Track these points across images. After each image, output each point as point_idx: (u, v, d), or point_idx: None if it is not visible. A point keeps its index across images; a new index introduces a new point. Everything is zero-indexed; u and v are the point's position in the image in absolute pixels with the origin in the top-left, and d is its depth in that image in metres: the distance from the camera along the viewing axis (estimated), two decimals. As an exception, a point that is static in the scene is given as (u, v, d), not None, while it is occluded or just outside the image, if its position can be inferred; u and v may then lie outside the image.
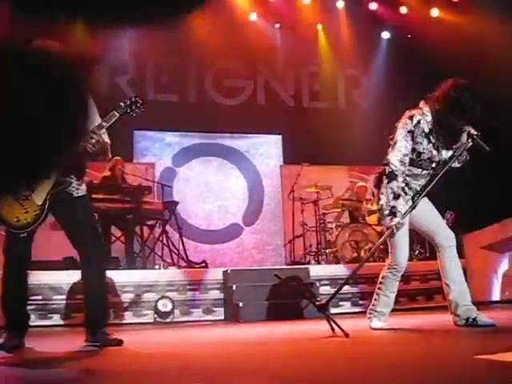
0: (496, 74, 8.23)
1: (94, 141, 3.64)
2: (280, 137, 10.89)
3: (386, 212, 4.11)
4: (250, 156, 10.80)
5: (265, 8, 10.61)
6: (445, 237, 4.25)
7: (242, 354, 3.34)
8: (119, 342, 3.73)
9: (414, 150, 4.17)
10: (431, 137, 4.16)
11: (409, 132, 4.15)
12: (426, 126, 4.15)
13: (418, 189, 4.23)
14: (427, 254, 8.29)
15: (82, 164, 3.84)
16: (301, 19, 10.82)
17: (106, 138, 3.88)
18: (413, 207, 4.12)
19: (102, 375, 2.71)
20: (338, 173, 10.67)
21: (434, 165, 4.22)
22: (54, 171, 3.54)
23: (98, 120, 3.84)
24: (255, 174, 10.77)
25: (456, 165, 4.25)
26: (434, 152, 4.19)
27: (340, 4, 10.87)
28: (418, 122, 4.16)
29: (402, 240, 4.23)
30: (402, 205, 4.12)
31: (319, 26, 11.19)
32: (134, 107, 3.92)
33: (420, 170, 4.22)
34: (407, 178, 4.21)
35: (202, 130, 10.41)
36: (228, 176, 10.59)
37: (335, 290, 4.41)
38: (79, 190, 3.80)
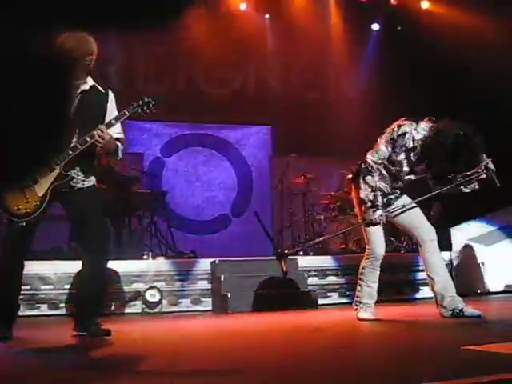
0: (488, 67, 8.27)
1: (99, 138, 3.67)
2: (269, 128, 10.87)
3: (368, 205, 4.19)
4: (239, 147, 10.78)
5: (255, -2, 10.57)
6: (425, 231, 4.31)
7: (230, 344, 3.35)
8: (108, 333, 3.73)
9: (390, 157, 4.23)
10: (411, 154, 4.19)
11: (391, 139, 4.21)
12: (410, 142, 4.18)
13: (392, 196, 4.30)
14: (414, 246, 8.33)
15: (90, 159, 3.86)
16: (291, 9, 10.79)
17: (120, 135, 3.92)
18: (404, 209, 4.18)
19: (92, 365, 2.71)
20: (327, 164, 10.68)
21: (400, 180, 4.28)
22: (54, 162, 3.62)
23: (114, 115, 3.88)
24: (244, 165, 10.75)
25: (466, 190, 4.24)
26: (406, 168, 4.24)
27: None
28: (403, 134, 4.19)
29: (377, 231, 4.29)
30: (381, 197, 4.19)
31: (309, 17, 11.15)
32: (145, 108, 3.95)
33: (389, 178, 4.28)
34: (382, 183, 4.27)
35: (191, 121, 10.37)
36: (217, 167, 10.56)
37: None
38: (85, 181, 3.82)
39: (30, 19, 3.64)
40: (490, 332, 3.36)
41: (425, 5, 10.67)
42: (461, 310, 4.05)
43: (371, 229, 4.26)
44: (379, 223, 4.20)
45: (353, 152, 9.49)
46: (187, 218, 10.11)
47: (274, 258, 4.35)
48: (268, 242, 10.05)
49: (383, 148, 4.23)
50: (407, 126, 4.20)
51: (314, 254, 7.76)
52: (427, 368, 2.22)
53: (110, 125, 3.78)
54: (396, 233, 8.37)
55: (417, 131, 4.17)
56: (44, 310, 6.06)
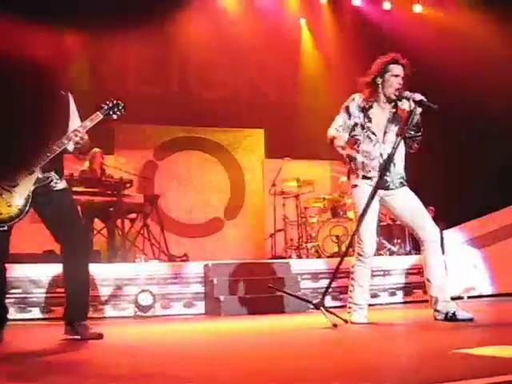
0: (480, 70, 8.33)
1: (78, 139, 3.75)
2: (262, 131, 10.88)
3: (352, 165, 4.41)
4: (232, 150, 10.79)
5: (248, 2, 10.57)
6: (429, 232, 4.28)
7: (222, 348, 3.34)
8: (99, 336, 3.72)
9: (355, 124, 4.40)
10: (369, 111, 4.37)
11: (345, 107, 4.46)
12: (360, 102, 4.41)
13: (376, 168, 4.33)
14: (407, 249, 8.35)
15: (61, 161, 3.91)
16: (284, 14, 10.81)
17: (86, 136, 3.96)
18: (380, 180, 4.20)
19: (83, 369, 2.70)
20: (321, 167, 10.70)
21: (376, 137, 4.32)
22: (33, 164, 3.66)
23: (78, 120, 3.94)
24: (237, 168, 10.76)
25: (413, 134, 4.27)
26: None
27: (323, -1, 10.89)
28: (353, 99, 4.44)
29: (369, 228, 4.28)
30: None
31: (302, 21, 11.19)
32: (115, 109, 4.01)
33: (370, 144, 4.34)
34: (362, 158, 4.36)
35: (184, 124, 10.36)
36: (210, 170, 10.56)
37: (326, 285, 4.43)
38: (58, 183, 3.84)
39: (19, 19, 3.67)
40: (481, 335, 3.37)
41: (417, 9, 10.74)
42: (454, 314, 4.06)
43: (362, 226, 4.25)
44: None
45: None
46: (180, 221, 10.10)
47: (314, 308, 4.28)
48: (261, 245, 10.10)
49: (338, 118, 4.56)
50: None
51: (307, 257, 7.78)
52: (420, 371, 2.22)
53: (84, 126, 3.84)
54: (389, 236, 8.41)
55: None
56: (36, 313, 6.03)
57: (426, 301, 4.44)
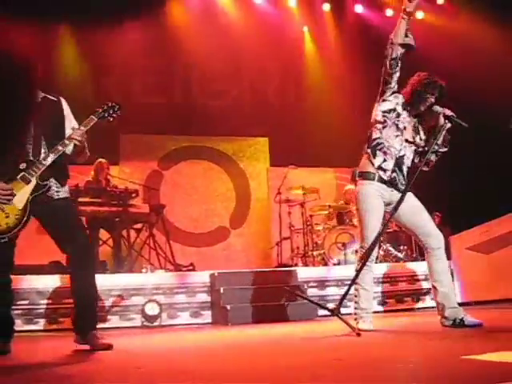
0: (483, 75, 8.33)
1: (72, 144, 3.74)
2: (267, 139, 10.89)
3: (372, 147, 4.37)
4: (237, 159, 10.80)
5: (251, 10, 10.61)
6: (434, 238, 4.27)
7: (231, 357, 3.33)
8: (109, 347, 3.72)
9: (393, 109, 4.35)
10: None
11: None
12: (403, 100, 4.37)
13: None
14: (414, 255, 8.33)
15: (62, 168, 3.88)
16: (287, 22, 10.85)
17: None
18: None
19: (90, 380, 2.69)
20: (325, 175, 10.70)
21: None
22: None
23: (75, 124, 3.91)
24: (242, 177, 10.77)
25: (441, 149, 4.27)
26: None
27: (326, 7, 10.92)
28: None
29: (374, 232, 4.27)
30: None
31: (305, 29, 11.23)
32: (111, 112, 3.97)
33: (394, 132, 4.33)
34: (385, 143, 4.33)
35: (189, 133, 10.39)
36: (215, 179, 10.57)
37: (343, 292, 4.39)
38: (59, 192, 3.82)
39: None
40: (490, 341, 3.34)
41: (419, 15, 10.76)
42: (461, 320, 4.04)
43: (370, 231, 4.24)
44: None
45: (351, 163, 9.58)
46: (186, 231, 10.10)
47: (332, 315, 4.25)
48: (267, 253, 10.08)
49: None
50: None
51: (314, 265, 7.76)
52: (428, 378, 2.21)
53: (79, 131, 3.79)
54: (395, 243, 8.39)
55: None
56: (43, 324, 6.04)
57: (434, 307, 4.42)
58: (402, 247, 8.32)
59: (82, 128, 3.80)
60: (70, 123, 3.91)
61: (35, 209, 3.68)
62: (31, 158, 3.67)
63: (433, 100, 4.28)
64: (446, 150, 4.31)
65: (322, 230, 8.71)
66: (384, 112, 4.36)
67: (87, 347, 3.75)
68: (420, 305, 7.07)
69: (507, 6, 8.52)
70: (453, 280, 4.39)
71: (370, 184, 4.31)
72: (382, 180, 4.29)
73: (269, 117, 10.67)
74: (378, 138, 4.34)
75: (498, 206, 6.70)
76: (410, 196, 4.36)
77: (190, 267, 7.78)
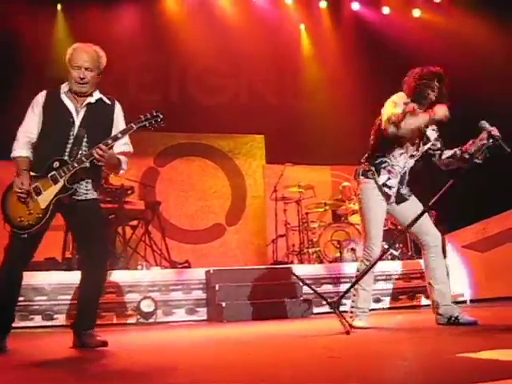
0: (481, 74, 8.34)
1: (100, 152, 3.60)
2: (263, 136, 10.88)
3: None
4: (233, 156, 10.79)
5: (248, 7, 10.59)
6: (432, 236, 4.29)
7: (225, 353, 3.33)
8: (104, 344, 3.72)
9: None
10: None
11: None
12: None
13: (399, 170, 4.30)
14: (409, 253, 8.34)
15: (96, 172, 3.86)
16: (284, 19, 10.84)
17: (126, 147, 3.91)
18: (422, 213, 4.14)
19: (87, 376, 2.69)
20: (321, 173, 10.70)
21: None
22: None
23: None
24: (238, 174, 10.75)
25: (478, 161, 4.20)
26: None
27: (323, 4, 10.91)
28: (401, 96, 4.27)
29: (379, 235, 4.28)
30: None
31: (302, 26, 11.21)
32: (153, 121, 3.86)
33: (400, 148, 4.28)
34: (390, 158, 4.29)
35: (185, 130, 10.36)
36: (211, 176, 10.56)
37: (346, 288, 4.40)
38: (88, 193, 3.82)
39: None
40: (485, 339, 3.35)
41: (417, 13, 10.77)
42: (456, 318, 4.06)
43: (374, 233, 4.27)
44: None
45: (347, 160, 9.59)
46: (181, 228, 10.09)
47: (330, 308, 4.24)
48: (263, 251, 10.08)
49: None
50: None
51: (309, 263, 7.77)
52: (423, 376, 2.21)
53: (115, 138, 3.72)
54: (391, 241, 8.39)
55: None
56: (38, 321, 6.03)
57: (429, 305, 4.43)
58: (397, 245, 8.33)
59: (119, 135, 3.71)
60: (117, 130, 3.83)
61: (61, 209, 3.71)
62: (66, 158, 3.65)
63: (435, 88, 4.22)
64: (479, 163, 4.23)
65: (317, 228, 8.72)
66: None
67: (84, 345, 3.75)
68: (415, 303, 7.08)
69: (503, 3, 8.53)
70: (448, 278, 4.39)
71: (372, 183, 4.32)
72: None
73: (265, 114, 10.64)
74: (382, 155, 4.32)
75: (494, 205, 6.71)
76: (410, 196, 4.39)
77: (186, 264, 7.77)
